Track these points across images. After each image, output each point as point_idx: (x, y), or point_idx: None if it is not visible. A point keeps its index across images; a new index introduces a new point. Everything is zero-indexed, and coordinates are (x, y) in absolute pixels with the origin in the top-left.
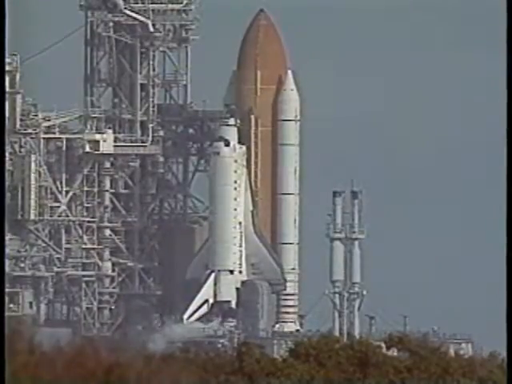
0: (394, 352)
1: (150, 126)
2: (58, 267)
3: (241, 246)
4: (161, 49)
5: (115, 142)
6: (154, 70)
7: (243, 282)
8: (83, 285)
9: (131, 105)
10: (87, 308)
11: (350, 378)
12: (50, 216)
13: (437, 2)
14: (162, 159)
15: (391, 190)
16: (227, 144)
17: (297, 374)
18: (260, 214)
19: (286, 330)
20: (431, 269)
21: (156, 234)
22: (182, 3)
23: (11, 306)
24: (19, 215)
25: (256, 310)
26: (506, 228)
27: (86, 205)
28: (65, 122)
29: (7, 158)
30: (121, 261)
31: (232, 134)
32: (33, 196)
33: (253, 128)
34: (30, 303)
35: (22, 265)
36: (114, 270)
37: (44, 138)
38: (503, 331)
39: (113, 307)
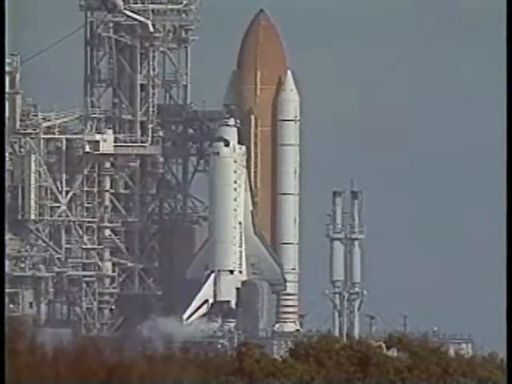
0: (394, 352)
1: (150, 126)
2: (59, 267)
3: (241, 246)
4: (161, 49)
5: (115, 142)
6: (153, 70)
7: (243, 282)
8: (83, 285)
9: (131, 105)
10: (87, 308)
11: (350, 378)
12: (50, 216)
13: (437, 3)
14: (161, 159)
15: (391, 190)
16: (227, 144)
17: (297, 375)
18: (260, 214)
19: (285, 330)
20: (431, 269)
21: (156, 234)
22: (181, 3)
23: (11, 306)
24: (19, 215)
25: (256, 310)
26: (506, 228)
27: (86, 205)
28: (65, 122)
29: (7, 158)
30: (121, 261)
31: (232, 134)
32: (33, 196)
33: (253, 128)
34: (30, 303)
35: (23, 265)
36: (114, 271)
37: (44, 138)
38: (503, 331)
39: (113, 307)
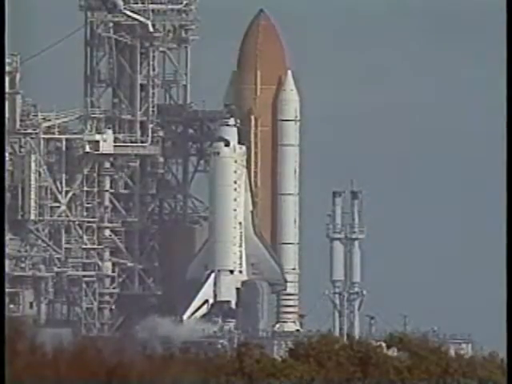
0: (394, 352)
1: (150, 126)
2: (58, 267)
3: (241, 246)
4: (161, 49)
5: (115, 142)
6: (153, 70)
7: (243, 282)
8: (83, 285)
9: (131, 105)
10: (87, 308)
11: (350, 378)
12: (50, 216)
13: (437, 4)
14: (161, 159)
15: (391, 189)
16: (227, 144)
17: (297, 375)
18: (260, 214)
19: (286, 329)
20: (431, 269)
21: (156, 234)
22: (181, 3)
23: (12, 306)
24: (19, 215)
25: (256, 310)
26: (506, 228)
27: (85, 205)
28: (65, 122)
29: (7, 158)
30: (121, 261)
31: (232, 134)
32: (33, 196)
33: (253, 128)
34: (31, 303)
35: (23, 265)
36: (114, 271)
37: (44, 138)
38: (503, 331)
39: (113, 307)
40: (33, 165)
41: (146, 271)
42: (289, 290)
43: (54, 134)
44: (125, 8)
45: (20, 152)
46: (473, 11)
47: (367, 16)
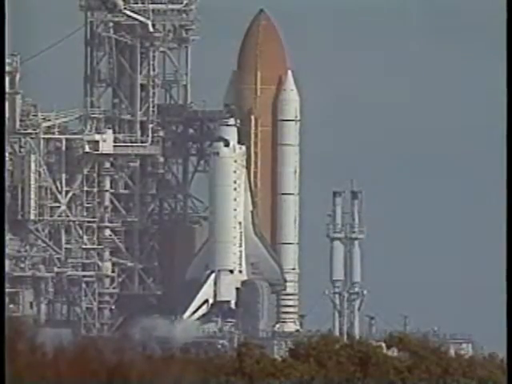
0: (394, 352)
1: (150, 126)
2: (58, 267)
3: (241, 245)
4: (161, 49)
5: (115, 142)
6: (153, 70)
7: (243, 282)
8: (83, 285)
9: (131, 105)
10: (87, 308)
11: (350, 378)
12: (50, 216)
13: (437, 4)
14: (161, 159)
15: (391, 190)
16: (227, 144)
17: (297, 375)
18: (260, 214)
19: (286, 329)
20: (431, 269)
21: (156, 234)
22: (182, 3)
23: (12, 306)
24: (19, 215)
25: (256, 309)
26: (506, 228)
27: (85, 205)
28: (65, 122)
29: (7, 158)
30: (121, 261)
31: (232, 134)
32: (33, 196)
33: (253, 128)
34: (31, 303)
35: (22, 265)
36: (113, 271)
37: (44, 138)
38: (503, 331)
39: (113, 307)
40: (33, 165)
41: (145, 271)
42: (289, 290)
43: (53, 134)
44: (125, 8)
45: (20, 152)
46: (473, 11)
47: (367, 16)
